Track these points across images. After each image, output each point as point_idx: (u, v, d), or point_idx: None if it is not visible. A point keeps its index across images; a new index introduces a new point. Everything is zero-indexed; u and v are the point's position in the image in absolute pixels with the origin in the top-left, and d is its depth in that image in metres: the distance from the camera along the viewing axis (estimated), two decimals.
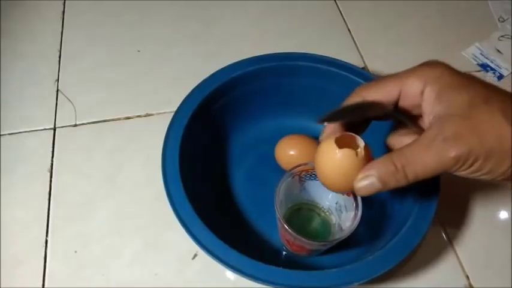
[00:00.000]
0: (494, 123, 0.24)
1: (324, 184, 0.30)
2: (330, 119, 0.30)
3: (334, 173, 0.28)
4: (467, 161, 0.25)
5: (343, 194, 0.34)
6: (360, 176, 0.27)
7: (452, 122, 0.25)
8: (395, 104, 0.29)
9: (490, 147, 0.24)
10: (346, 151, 0.27)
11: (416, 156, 0.26)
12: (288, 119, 0.46)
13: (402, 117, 0.29)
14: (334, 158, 0.27)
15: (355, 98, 0.30)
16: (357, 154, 0.27)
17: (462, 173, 0.26)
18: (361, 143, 0.28)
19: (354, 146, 0.28)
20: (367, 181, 0.27)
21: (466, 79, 0.27)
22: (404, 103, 0.29)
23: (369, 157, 0.28)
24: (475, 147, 0.24)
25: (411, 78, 0.28)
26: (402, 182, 0.26)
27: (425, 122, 0.28)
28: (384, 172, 0.26)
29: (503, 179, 0.26)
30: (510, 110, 0.25)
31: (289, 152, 0.41)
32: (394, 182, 0.27)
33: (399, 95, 0.29)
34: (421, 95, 0.28)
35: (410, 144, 0.27)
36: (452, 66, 0.29)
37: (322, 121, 0.30)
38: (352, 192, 0.33)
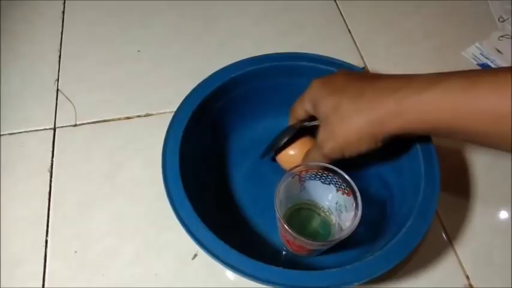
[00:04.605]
0: (342, 127, 0.33)
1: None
2: (269, 150, 0.42)
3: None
4: (335, 155, 0.35)
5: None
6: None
7: (320, 132, 0.35)
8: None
9: (343, 143, 0.34)
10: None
11: (313, 156, 0.37)
12: (288, 119, 0.46)
13: (308, 127, 0.39)
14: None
15: (291, 119, 0.40)
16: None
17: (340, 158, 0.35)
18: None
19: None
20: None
21: (332, 90, 0.35)
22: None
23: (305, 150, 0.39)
24: (334, 147, 0.34)
25: (305, 99, 0.37)
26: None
27: None
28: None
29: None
30: (355, 115, 0.33)
31: (289, 151, 0.41)
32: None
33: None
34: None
35: (310, 148, 0.38)
36: (339, 74, 0.36)
37: (263, 156, 0.42)
38: (352, 192, 0.34)
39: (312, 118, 0.38)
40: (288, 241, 0.36)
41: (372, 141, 0.33)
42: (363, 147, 0.34)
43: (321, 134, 0.35)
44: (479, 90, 0.28)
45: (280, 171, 0.35)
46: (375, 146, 0.33)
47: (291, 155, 0.41)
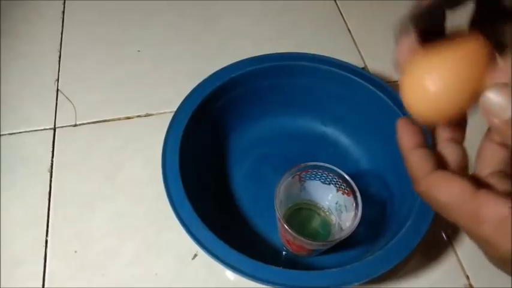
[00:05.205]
0: None
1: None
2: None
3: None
4: None
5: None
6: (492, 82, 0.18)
7: None
8: None
9: None
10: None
11: None
12: (288, 119, 0.46)
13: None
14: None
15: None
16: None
17: None
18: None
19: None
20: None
21: None
22: None
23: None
24: None
25: None
26: None
27: None
28: None
29: None
30: None
31: (428, 83, 0.20)
32: None
33: None
34: None
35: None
36: None
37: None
38: (352, 192, 0.33)
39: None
40: (288, 241, 0.36)
41: None
42: None
43: None
44: None
45: (280, 171, 0.35)
46: None
47: (433, 90, 0.20)
